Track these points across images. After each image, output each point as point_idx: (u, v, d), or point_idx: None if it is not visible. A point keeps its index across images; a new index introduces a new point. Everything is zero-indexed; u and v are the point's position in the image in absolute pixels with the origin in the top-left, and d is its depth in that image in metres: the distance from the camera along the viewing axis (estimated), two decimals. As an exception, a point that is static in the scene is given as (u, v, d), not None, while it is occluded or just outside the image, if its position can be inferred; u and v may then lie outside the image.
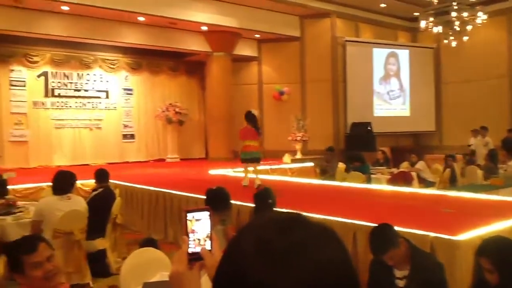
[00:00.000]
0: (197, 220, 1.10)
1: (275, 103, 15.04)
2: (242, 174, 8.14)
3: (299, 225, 0.76)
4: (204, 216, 1.11)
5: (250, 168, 7.87)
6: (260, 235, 0.74)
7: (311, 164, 11.93)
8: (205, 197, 3.47)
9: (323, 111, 14.42)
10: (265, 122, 15.20)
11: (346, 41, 14.75)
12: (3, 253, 4.75)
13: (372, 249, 2.98)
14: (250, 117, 8.01)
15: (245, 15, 13.42)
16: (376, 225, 3.11)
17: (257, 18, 13.68)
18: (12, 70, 12.59)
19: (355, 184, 7.98)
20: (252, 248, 0.72)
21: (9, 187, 6.73)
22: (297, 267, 0.69)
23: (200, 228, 1.10)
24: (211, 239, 1.10)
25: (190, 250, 1.07)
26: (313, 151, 12.94)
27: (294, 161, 12.64)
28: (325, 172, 9.44)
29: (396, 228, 3.12)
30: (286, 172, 11.43)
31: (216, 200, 3.32)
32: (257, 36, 14.62)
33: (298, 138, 13.29)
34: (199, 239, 1.09)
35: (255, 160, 7.71)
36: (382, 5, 14.79)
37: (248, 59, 15.20)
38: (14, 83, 12.61)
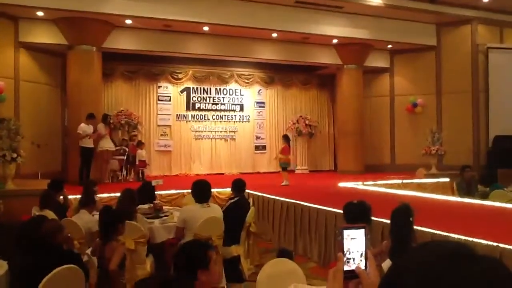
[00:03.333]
0: (352, 238, 1.09)
1: (407, 115, 14.48)
2: (372, 188, 9.86)
3: (467, 261, 0.70)
4: (360, 234, 1.09)
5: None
6: (425, 270, 0.69)
7: (447, 179, 11.23)
8: (342, 211, 3.46)
9: (462, 123, 13.48)
10: (397, 135, 14.72)
11: (489, 48, 13.65)
12: (150, 253, 5.30)
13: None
14: (287, 139, 11.07)
15: (377, 26, 13.18)
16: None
17: (390, 28, 13.35)
18: (160, 86, 13.99)
19: (498, 203, 7.33)
20: (416, 284, 0.69)
21: (156, 192, 7.44)
22: None
23: (355, 246, 1.08)
24: (366, 258, 1.08)
25: (345, 268, 1.06)
26: (450, 166, 12.14)
27: (428, 176, 12.00)
28: (464, 191, 8.80)
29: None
30: (420, 188, 10.90)
31: (360, 214, 3.30)
32: (390, 46, 14.24)
33: (433, 152, 12.58)
34: (353, 258, 1.08)
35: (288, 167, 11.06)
36: (532, 7, 13.44)
37: (379, 71, 14.88)
38: (161, 98, 13.98)
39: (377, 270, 1.07)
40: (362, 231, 1.10)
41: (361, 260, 1.08)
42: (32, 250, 3.44)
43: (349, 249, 1.08)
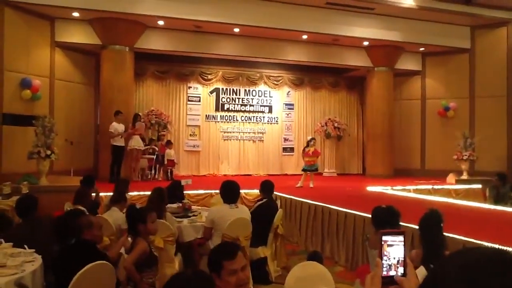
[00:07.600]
0: (389, 245, 1.07)
1: (439, 119, 14.20)
2: (401, 193, 9.80)
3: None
4: (399, 240, 1.08)
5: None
6: (469, 275, 0.67)
7: (479, 186, 10.96)
8: (370, 215, 3.43)
9: (496, 129, 13.12)
10: (428, 139, 14.47)
11: (526, 51, 13.26)
12: (179, 252, 5.36)
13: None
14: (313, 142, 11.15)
15: (409, 28, 12.99)
16: None
17: (422, 31, 13.12)
18: (190, 87, 14.13)
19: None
20: None
21: (184, 192, 7.52)
22: None
23: (393, 252, 1.07)
24: (404, 264, 1.06)
25: (383, 274, 1.05)
26: (482, 172, 11.85)
27: (459, 182, 11.74)
28: (498, 199, 8.58)
29: None
30: (450, 194, 10.68)
31: (388, 220, 3.26)
32: (422, 49, 14.01)
33: (465, 157, 12.30)
34: (390, 265, 1.06)
35: (315, 170, 11.02)
36: None
37: (411, 73, 14.64)
38: (190, 98, 14.12)
39: (416, 277, 1.05)
40: (401, 237, 1.08)
41: (398, 267, 1.06)
42: (65, 240, 3.54)
43: (387, 254, 1.07)
